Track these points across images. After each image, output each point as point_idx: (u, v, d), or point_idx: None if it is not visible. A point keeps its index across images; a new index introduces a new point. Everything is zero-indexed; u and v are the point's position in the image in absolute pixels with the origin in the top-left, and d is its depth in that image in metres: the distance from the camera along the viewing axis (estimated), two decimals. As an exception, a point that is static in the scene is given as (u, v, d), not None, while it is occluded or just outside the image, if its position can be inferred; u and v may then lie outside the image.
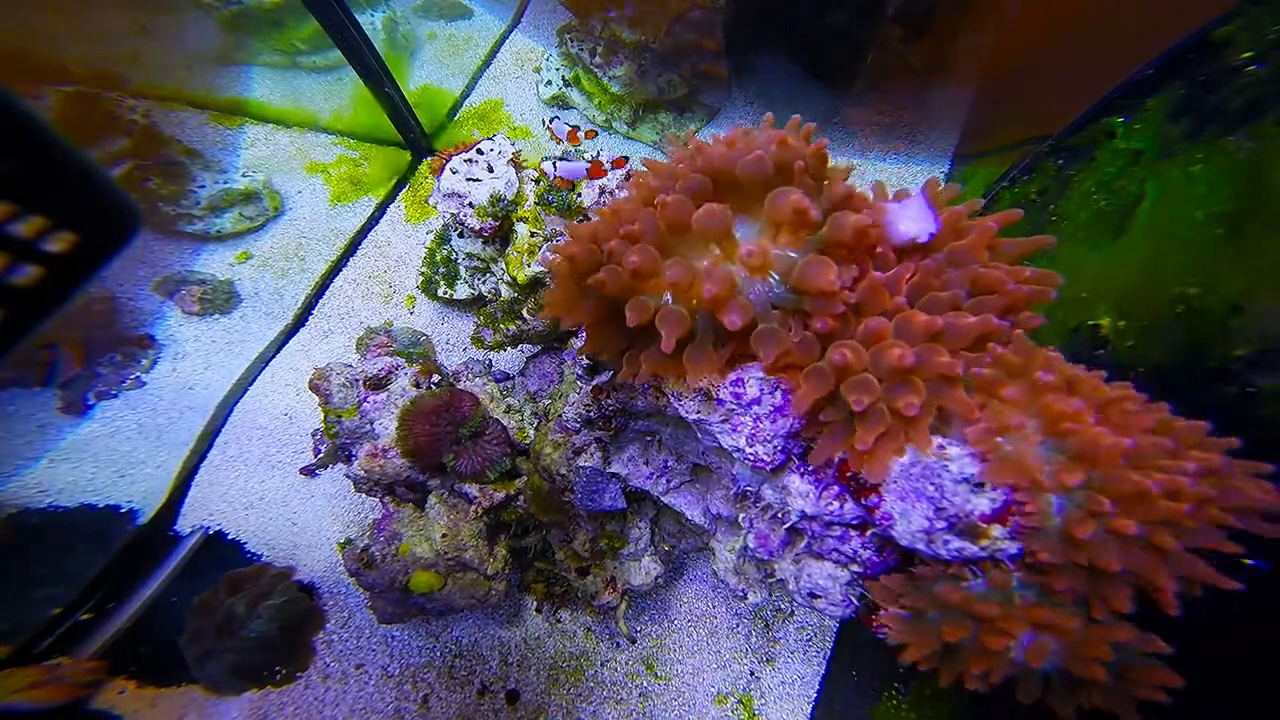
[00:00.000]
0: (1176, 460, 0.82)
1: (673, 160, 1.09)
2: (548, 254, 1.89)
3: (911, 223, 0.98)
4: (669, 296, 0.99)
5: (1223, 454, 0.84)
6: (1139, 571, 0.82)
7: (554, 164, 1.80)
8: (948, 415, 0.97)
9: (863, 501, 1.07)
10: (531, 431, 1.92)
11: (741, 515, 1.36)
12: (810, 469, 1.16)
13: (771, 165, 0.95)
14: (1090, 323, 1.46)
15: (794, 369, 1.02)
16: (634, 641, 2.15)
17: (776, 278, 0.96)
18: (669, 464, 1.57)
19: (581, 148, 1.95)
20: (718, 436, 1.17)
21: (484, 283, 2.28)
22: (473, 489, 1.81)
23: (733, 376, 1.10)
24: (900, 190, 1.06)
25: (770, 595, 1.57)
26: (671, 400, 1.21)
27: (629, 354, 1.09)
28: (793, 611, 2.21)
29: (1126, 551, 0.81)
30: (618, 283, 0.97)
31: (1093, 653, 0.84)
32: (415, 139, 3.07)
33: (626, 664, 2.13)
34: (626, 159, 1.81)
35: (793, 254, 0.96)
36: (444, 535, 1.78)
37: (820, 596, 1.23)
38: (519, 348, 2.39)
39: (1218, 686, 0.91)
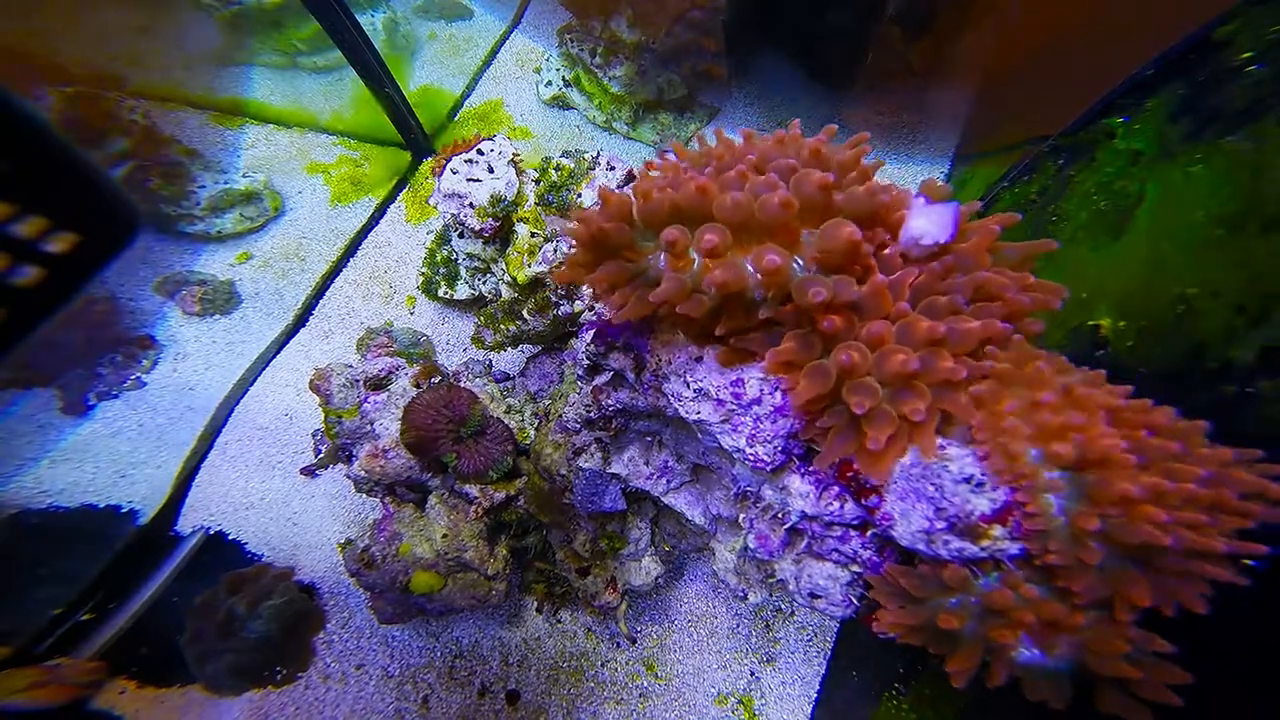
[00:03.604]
0: (1183, 463, 0.82)
1: (702, 154, 1.10)
2: (550, 254, 1.89)
3: (929, 225, 0.96)
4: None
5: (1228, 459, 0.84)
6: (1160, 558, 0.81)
7: None
8: (948, 416, 0.97)
9: (863, 502, 1.07)
10: (532, 432, 1.93)
11: (742, 515, 1.36)
12: (810, 469, 1.16)
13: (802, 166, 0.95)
14: (1090, 323, 1.46)
15: (794, 368, 1.02)
16: (634, 642, 2.15)
17: (800, 262, 0.96)
18: (669, 464, 1.57)
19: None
20: (718, 437, 1.17)
21: (484, 283, 2.29)
22: (473, 489, 1.81)
23: (733, 377, 1.10)
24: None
25: (770, 595, 1.57)
26: (671, 400, 1.21)
27: (636, 290, 1.04)
28: (793, 612, 2.21)
29: (1149, 530, 0.79)
30: (677, 199, 0.95)
31: (1113, 649, 0.84)
32: (416, 139, 3.08)
33: (627, 664, 2.13)
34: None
35: (810, 237, 0.96)
36: (444, 535, 1.78)
37: (820, 597, 1.23)
38: (519, 348, 2.39)
39: (1216, 687, 0.91)
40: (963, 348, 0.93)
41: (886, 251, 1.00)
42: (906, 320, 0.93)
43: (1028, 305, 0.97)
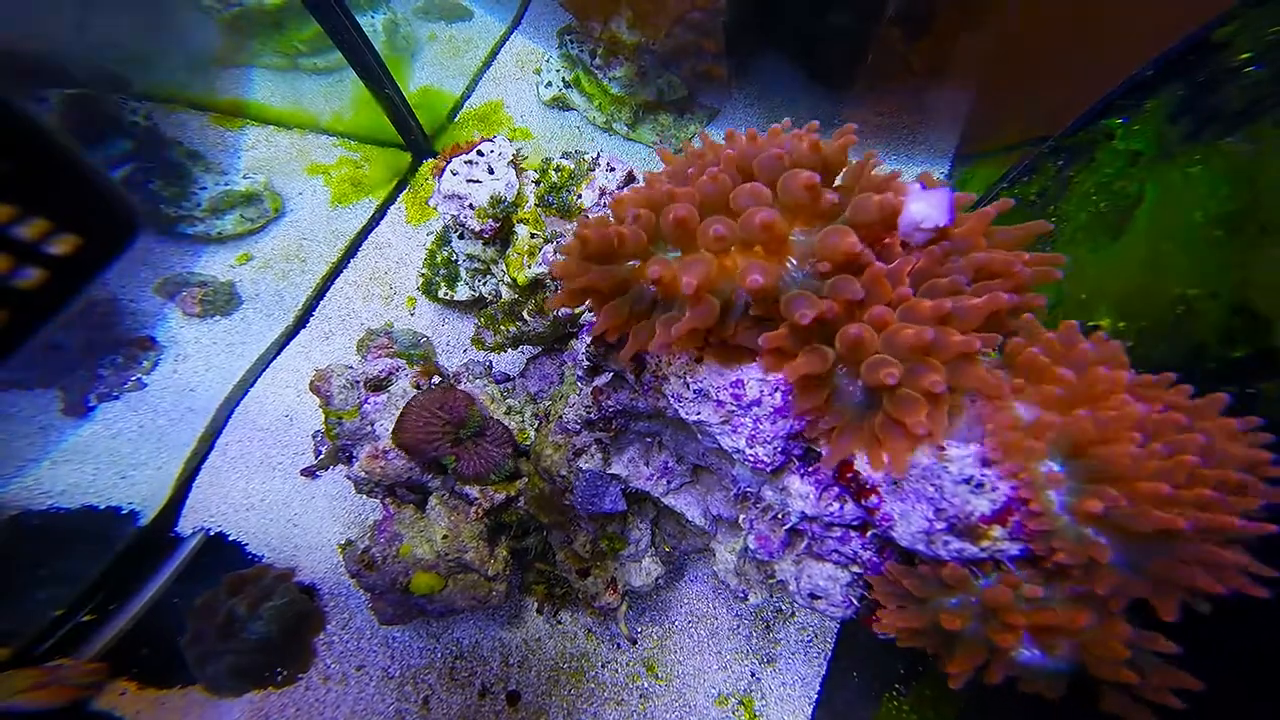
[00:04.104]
0: (1187, 434, 0.81)
1: (686, 158, 1.10)
2: (549, 255, 1.89)
3: (928, 208, 0.95)
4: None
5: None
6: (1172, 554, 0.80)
7: None
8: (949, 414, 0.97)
9: (863, 502, 1.07)
10: (532, 433, 1.93)
11: (742, 516, 1.36)
12: (810, 470, 1.16)
13: (790, 163, 0.95)
14: (1090, 324, 1.46)
15: (788, 355, 1.01)
16: (635, 643, 2.15)
17: (794, 262, 0.96)
18: (669, 465, 1.57)
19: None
20: (718, 438, 1.17)
21: (484, 284, 2.29)
22: (474, 490, 1.81)
23: (733, 378, 1.11)
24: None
25: (771, 596, 1.57)
26: (672, 401, 1.21)
27: (636, 328, 1.06)
28: (793, 612, 2.21)
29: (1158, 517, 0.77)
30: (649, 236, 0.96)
31: (1111, 653, 0.83)
32: (416, 140, 3.08)
33: (627, 665, 2.13)
34: None
35: (803, 237, 0.95)
36: (445, 536, 1.78)
37: (821, 597, 1.23)
38: (519, 349, 2.39)
39: (1217, 689, 0.91)
40: (969, 323, 0.92)
41: (885, 242, 1.00)
42: (908, 304, 0.92)
43: (1029, 277, 0.97)
